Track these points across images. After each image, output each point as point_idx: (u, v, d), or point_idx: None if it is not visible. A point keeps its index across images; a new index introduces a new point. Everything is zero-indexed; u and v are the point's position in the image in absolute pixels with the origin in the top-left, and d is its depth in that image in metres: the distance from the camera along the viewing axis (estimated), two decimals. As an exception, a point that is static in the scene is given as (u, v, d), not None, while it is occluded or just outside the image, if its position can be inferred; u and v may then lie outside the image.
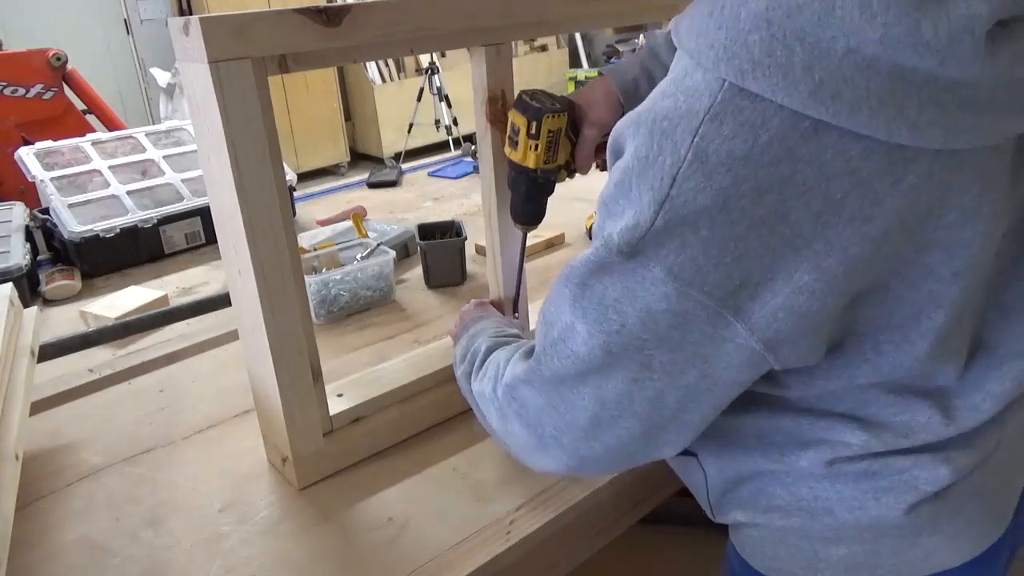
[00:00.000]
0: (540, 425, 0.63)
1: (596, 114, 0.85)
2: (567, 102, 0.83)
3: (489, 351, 0.78)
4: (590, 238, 1.51)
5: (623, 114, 0.80)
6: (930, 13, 0.41)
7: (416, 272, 1.44)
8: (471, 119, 0.93)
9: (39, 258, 1.54)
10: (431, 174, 2.16)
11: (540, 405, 0.62)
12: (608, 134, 0.81)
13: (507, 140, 0.85)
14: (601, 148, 0.88)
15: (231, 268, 0.78)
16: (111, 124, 2.90)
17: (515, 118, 0.82)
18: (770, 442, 0.63)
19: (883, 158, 0.45)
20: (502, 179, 0.91)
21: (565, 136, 0.83)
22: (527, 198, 0.87)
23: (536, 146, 0.82)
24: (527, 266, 1.43)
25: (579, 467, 0.63)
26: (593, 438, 0.59)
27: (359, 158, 6.13)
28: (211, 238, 1.63)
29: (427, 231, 1.42)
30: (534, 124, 0.81)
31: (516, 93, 0.84)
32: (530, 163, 0.83)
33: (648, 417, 0.56)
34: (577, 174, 0.91)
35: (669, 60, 0.83)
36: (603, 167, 0.91)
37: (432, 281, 1.37)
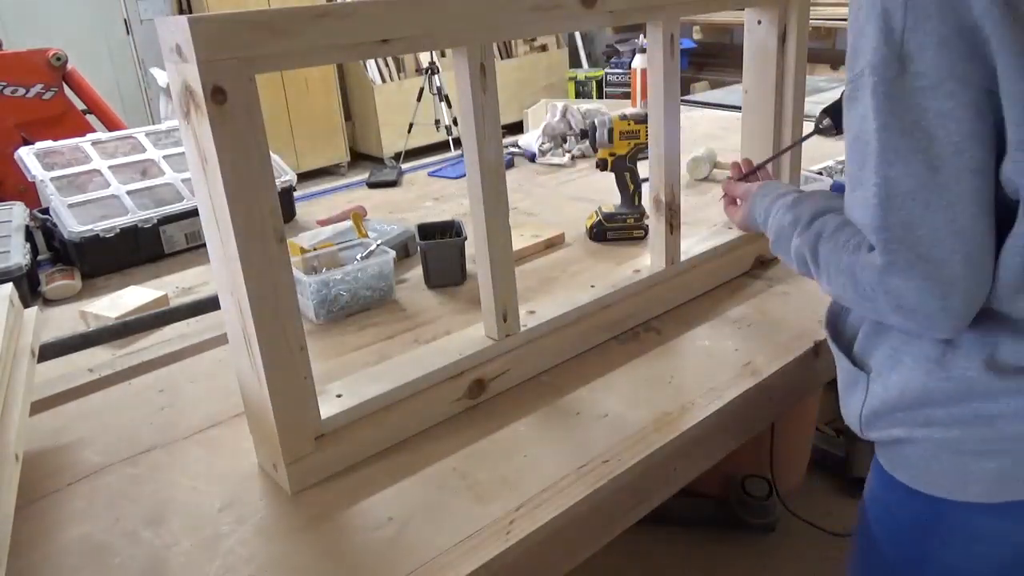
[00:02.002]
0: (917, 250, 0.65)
1: None
2: None
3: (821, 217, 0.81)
4: (590, 238, 1.53)
5: None
6: None
7: (416, 272, 1.44)
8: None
9: (39, 258, 1.54)
10: (431, 174, 2.16)
11: (902, 289, 0.65)
12: None
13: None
14: None
15: (219, 273, 0.78)
16: (111, 124, 2.90)
17: None
18: (942, 361, 0.68)
19: None
20: (488, 179, 0.92)
21: None
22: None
23: None
24: (527, 266, 1.44)
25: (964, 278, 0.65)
26: (983, 265, 0.64)
27: (359, 158, 6.13)
28: (211, 238, 1.62)
29: (427, 231, 1.42)
30: None
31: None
32: None
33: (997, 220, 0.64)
34: None
35: None
36: None
37: (432, 281, 1.37)
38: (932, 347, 0.69)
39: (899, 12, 0.61)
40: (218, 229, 0.74)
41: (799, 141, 1.26)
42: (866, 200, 0.66)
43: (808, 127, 1.18)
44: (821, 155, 1.80)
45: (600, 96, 5.62)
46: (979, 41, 0.60)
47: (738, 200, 1.09)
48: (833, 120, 1.10)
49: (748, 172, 1.15)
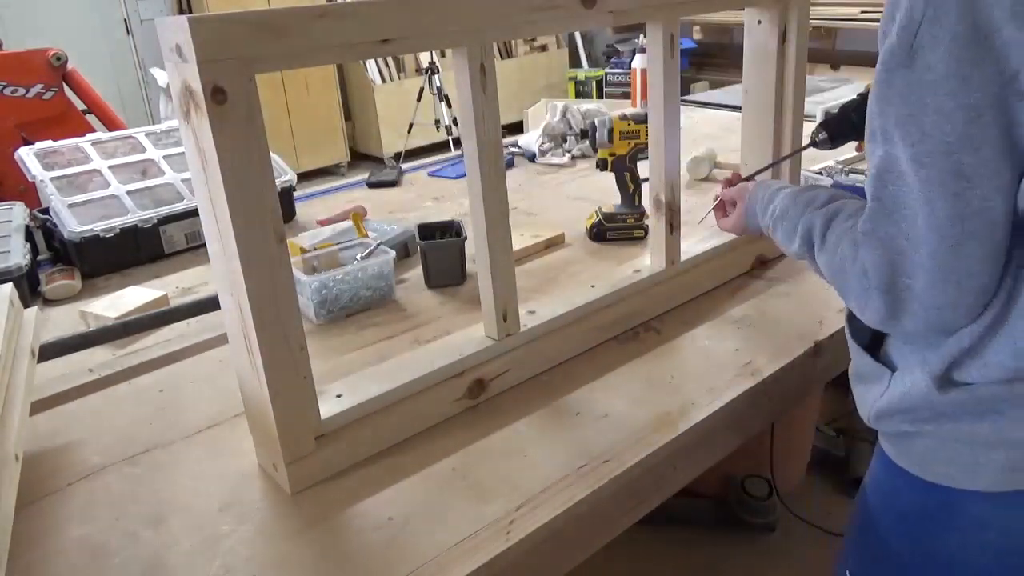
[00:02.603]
0: (893, 282, 0.67)
1: None
2: None
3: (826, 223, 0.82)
4: (590, 238, 1.53)
5: None
6: None
7: (416, 272, 1.44)
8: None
9: (39, 258, 1.54)
10: (431, 174, 2.16)
11: (883, 261, 0.67)
12: None
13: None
14: None
15: (219, 273, 0.78)
16: (111, 124, 2.90)
17: None
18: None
19: None
20: (488, 179, 0.93)
21: None
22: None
23: None
24: (527, 266, 1.44)
25: (939, 318, 0.66)
26: (943, 279, 0.64)
27: (359, 158, 6.13)
28: (211, 238, 1.62)
29: (427, 231, 1.42)
30: None
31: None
32: None
33: (985, 234, 0.62)
34: None
35: None
36: None
37: (432, 281, 1.37)
38: (952, 356, 0.69)
39: (921, 2, 0.60)
40: (218, 229, 0.74)
41: (793, 153, 1.27)
42: (868, 171, 0.68)
43: (809, 127, 1.18)
44: (822, 155, 1.80)
45: (600, 96, 5.61)
46: (994, 45, 0.58)
47: (730, 205, 1.11)
48: (829, 134, 1.10)
49: (739, 182, 1.15)
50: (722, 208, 1.16)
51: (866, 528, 0.84)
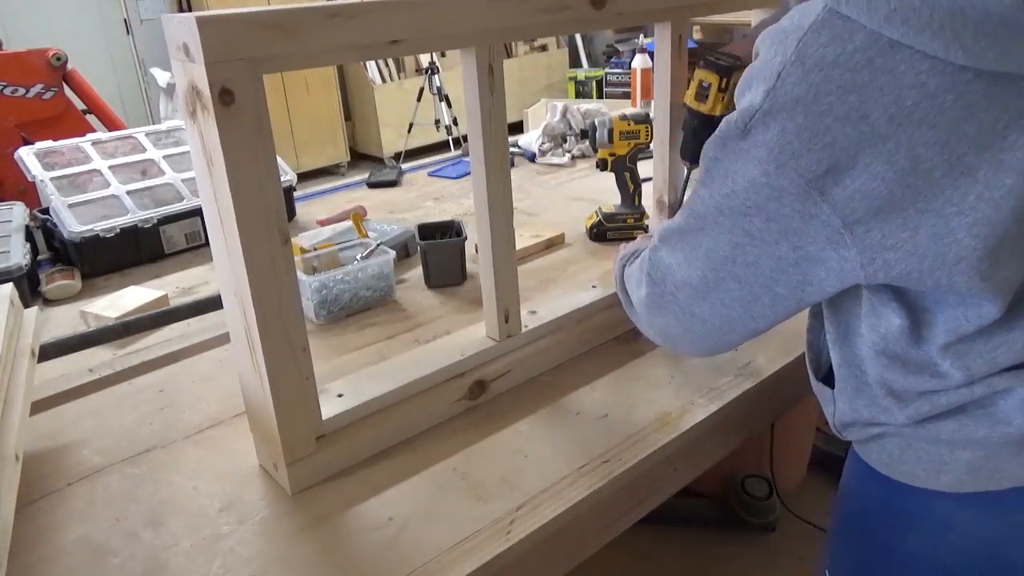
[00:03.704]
0: (664, 282, 0.78)
1: None
2: (740, 56, 0.97)
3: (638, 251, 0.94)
4: (590, 238, 1.53)
5: None
6: None
7: (416, 272, 1.44)
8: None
9: (39, 258, 1.54)
10: (431, 174, 2.16)
11: (668, 263, 0.76)
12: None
13: (694, 95, 1.00)
14: None
15: (223, 273, 0.78)
16: (111, 124, 2.90)
17: (706, 76, 0.98)
18: (897, 394, 0.70)
19: (947, 76, 0.55)
20: (494, 179, 0.92)
21: None
22: (701, 141, 0.97)
23: (724, 98, 0.98)
24: (527, 266, 1.44)
25: (690, 326, 0.77)
26: (702, 297, 0.73)
27: (359, 158, 6.13)
28: (211, 238, 1.62)
29: (427, 231, 1.42)
30: (724, 80, 0.97)
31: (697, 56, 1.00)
32: (717, 112, 0.98)
33: (747, 280, 0.69)
34: None
35: None
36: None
37: (432, 281, 1.37)
38: (876, 376, 0.71)
39: (760, 96, 0.61)
40: (222, 230, 0.74)
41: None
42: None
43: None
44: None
45: (600, 96, 5.61)
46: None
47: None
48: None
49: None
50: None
51: (840, 527, 0.85)
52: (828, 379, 0.81)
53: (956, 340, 0.65)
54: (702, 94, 0.98)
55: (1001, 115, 0.56)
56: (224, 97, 0.66)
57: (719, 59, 0.97)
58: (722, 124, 0.66)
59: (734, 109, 0.95)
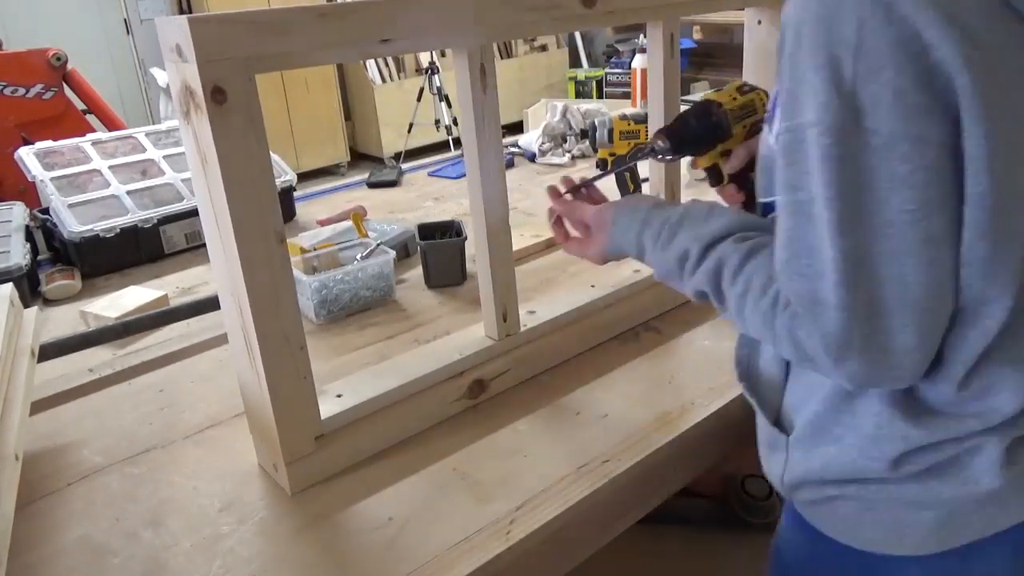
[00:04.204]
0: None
1: None
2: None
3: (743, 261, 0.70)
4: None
5: None
6: None
7: (416, 272, 1.44)
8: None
9: (39, 258, 1.54)
10: (431, 174, 2.16)
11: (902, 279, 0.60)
12: None
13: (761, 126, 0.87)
14: None
15: (219, 273, 0.78)
16: (111, 124, 2.90)
17: (762, 100, 0.92)
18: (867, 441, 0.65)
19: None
20: (488, 179, 0.93)
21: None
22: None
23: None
24: (527, 266, 1.44)
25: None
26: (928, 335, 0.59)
27: (359, 158, 6.13)
28: (211, 238, 1.62)
29: (427, 231, 1.42)
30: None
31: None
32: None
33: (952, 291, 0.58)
34: None
35: None
36: None
37: (432, 281, 1.37)
38: (870, 423, 0.64)
39: (849, 59, 0.53)
40: (218, 229, 0.74)
41: (628, 165, 1.17)
42: (816, 273, 0.58)
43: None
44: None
45: (600, 96, 5.61)
46: (942, 91, 0.52)
47: (579, 226, 0.89)
48: (672, 144, 0.90)
49: (573, 188, 0.90)
50: (561, 225, 0.91)
51: None
52: (781, 422, 0.73)
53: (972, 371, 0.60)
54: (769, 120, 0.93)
55: None
56: (216, 96, 0.66)
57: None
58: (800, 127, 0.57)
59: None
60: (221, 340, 1.18)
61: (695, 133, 0.90)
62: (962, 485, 0.63)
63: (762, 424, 0.76)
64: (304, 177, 5.22)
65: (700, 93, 1.04)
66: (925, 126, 0.53)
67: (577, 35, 6.43)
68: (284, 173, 1.76)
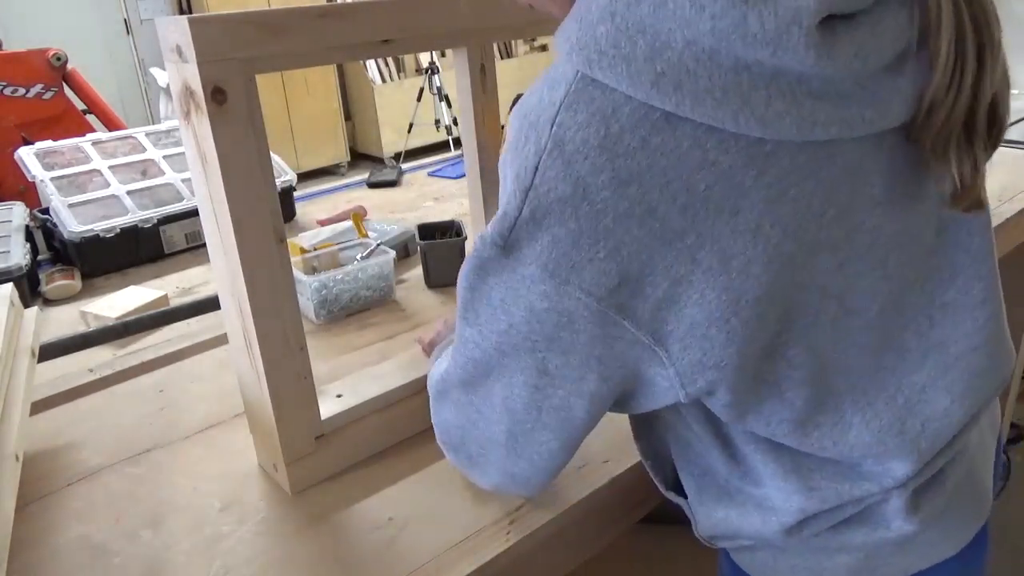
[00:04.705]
0: (464, 445, 0.66)
1: None
2: None
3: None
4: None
5: None
6: (757, 6, 0.41)
7: (416, 272, 1.44)
8: (471, 119, 0.94)
9: (39, 258, 1.54)
10: (431, 174, 2.16)
11: (460, 423, 0.64)
12: None
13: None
14: None
15: (219, 273, 0.78)
16: (111, 124, 2.90)
17: None
18: (752, 503, 0.64)
19: (742, 151, 0.44)
20: (489, 179, 0.92)
21: None
22: None
23: None
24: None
25: (511, 482, 0.65)
26: (516, 454, 0.60)
27: (359, 158, 6.14)
28: (211, 238, 1.63)
29: (427, 231, 1.42)
30: None
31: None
32: None
33: (561, 428, 0.56)
34: None
35: None
36: None
37: (432, 281, 1.37)
38: (766, 495, 0.63)
39: (517, 199, 0.48)
40: (218, 229, 0.74)
41: None
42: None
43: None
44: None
45: (600, 96, 5.61)
46: (604, 250, 0.47)
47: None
48: None
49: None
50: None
51: None
52: (678, 486, 0.73)
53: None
54: None
55: (816, 189, 0.46)
56: (217, 96, 0.66)
57: None
58: (475, 242, 0.51)
59: None
60: (221, 340, 1.18)
61: None
62: (873, 531, 0.61)
63: (662, 489, 0.76)
64: (304, 177, 5.23)
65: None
66: (570, 275, 0.50)
67: (577, 35, 6.43)
68: (284, 173, 1.76)
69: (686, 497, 0.72)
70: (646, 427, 0.75)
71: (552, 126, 0.45)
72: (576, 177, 0.45)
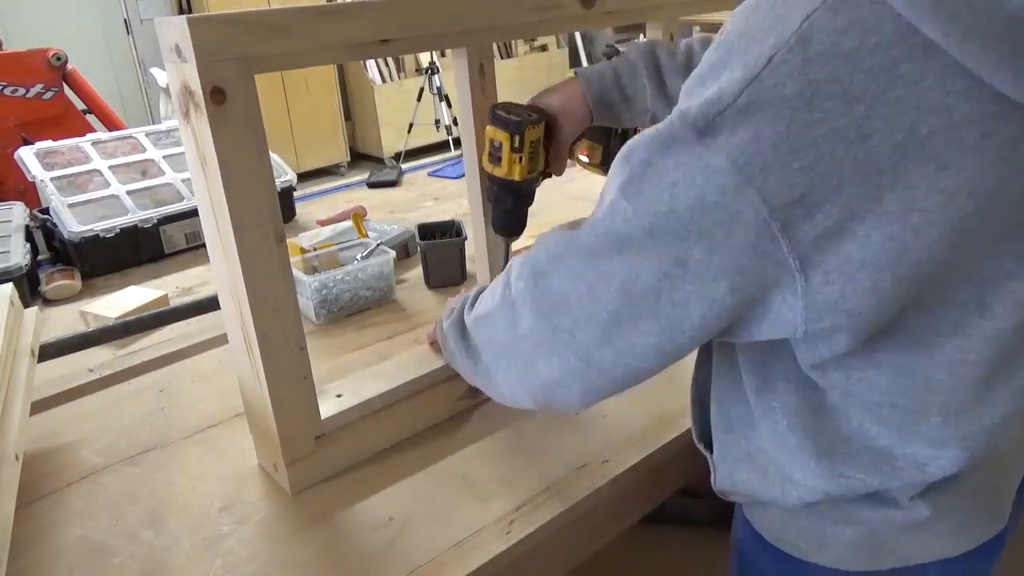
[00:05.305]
0: (557, 315, 0.59)
1: (569, 117, 0.88)
2: (539, 110, 0.86)
3: (479, 291, 0.77)
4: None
5: (591, 115, 0.86)
6: None
7: (416, 272, 1.44)
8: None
9: (39, 258, 1.54)
10: (431, 174, 2.16)
11: (564, 290, 0.59)
12: (578, 135, 0.89)
13: (487, 156, 0.87)
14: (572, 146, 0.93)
15: (219, 273, 0.78)
16: (111, 124, 2.90)
17: (495, 134, 0.84)
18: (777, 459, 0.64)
19: (981, 104, 0.43)
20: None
21: (542, 144, 0.86)
22: (512, 210, 0.89)
23: (520, 159, 0.84)
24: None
25: (583, 374, 0.60)
26: (607, 339, 0.57)
27: (359, 158, 6.13)
28: (211, 238, 1.63)
29: (427, 231, 1.42)
30: (517, 138, 0.82)
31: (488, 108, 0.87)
32: (515, 176, 0.85)
33: (668, 326, 0.54)
34: (553, 175, 0.94)
35: (642, 63, 0.88)
36: (583, 164, 0.93)
37: (432, 281, 1.37)
38: (796, 471, 0.62)
39: (737, 86, 0.46)
40: (218, 229, 0.74)
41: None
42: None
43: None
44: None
45: (600, 96, 5.62)
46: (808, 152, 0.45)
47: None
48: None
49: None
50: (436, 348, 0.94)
51: None
52: (706, 437, 0.74)
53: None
54: (494, 156, 0.86)
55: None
56: (216, 96, 0.66)
57: (509, 113, 0.83)
58: (672, 115, 0.49)
59: (532, 172, 0.85)
60: (221, 340, 1.18)
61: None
62: (880, 506, 0.62)
63: (696, 437, 0.77)
64: (304, 177, 5.23)
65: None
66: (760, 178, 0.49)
67: (577, 35, 6.44)
68: (284, 173, 1.76)
69: (712, 451, 0.72)
70: (704, 370, 0.73)
71: (804, 22, 0.43)
72: (809, 80, 0.43)
